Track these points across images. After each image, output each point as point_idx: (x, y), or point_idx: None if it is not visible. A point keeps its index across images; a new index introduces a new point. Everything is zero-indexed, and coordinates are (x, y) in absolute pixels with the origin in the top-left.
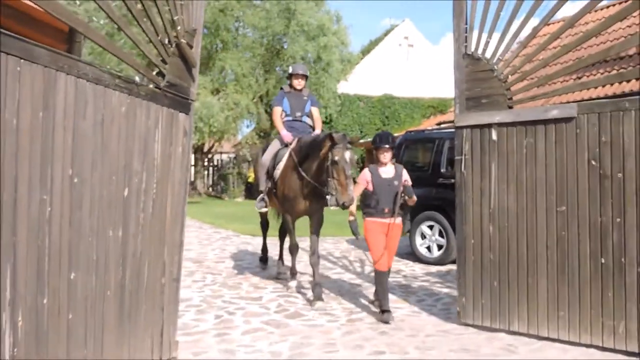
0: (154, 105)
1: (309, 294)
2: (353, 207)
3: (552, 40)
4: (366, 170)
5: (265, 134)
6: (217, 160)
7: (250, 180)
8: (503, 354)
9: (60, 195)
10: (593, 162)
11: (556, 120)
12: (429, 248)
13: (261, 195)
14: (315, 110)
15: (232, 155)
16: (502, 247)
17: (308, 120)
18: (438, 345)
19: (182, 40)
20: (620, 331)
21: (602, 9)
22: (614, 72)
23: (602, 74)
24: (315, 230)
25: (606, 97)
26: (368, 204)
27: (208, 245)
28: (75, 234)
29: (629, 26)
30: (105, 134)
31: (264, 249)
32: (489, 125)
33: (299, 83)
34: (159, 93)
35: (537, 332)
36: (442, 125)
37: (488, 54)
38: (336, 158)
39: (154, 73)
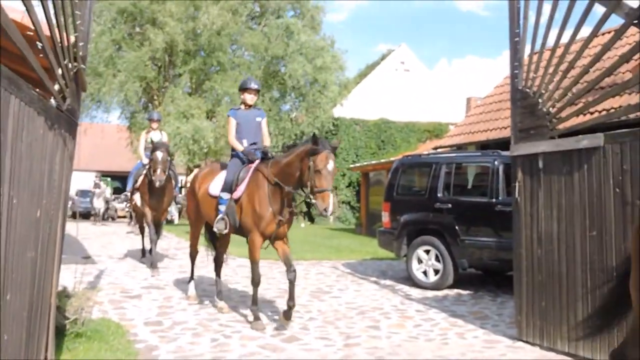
0: (58, 128)
1: (306, 317)
2: None
3: (582, 75)
4: None
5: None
6: None
7: None
8: None
9: (6, 215)
10: (617, 190)
11: (586, 150)
12: (425, 273)
13: None
14: None
15: None
16: (548, 269)
17: None
18: None
19: (82, 66)
20: None
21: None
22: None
23: (621, 96)
24: None
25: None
26: None
27: (203, 267)
28: (10, 254)
29: None
30: (32, 155)
31: None
32: (536, 155)
33: None
34: (61, 116)
35: (575, 351)
36: (439, 150)
37: (534, 89)
38: None
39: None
